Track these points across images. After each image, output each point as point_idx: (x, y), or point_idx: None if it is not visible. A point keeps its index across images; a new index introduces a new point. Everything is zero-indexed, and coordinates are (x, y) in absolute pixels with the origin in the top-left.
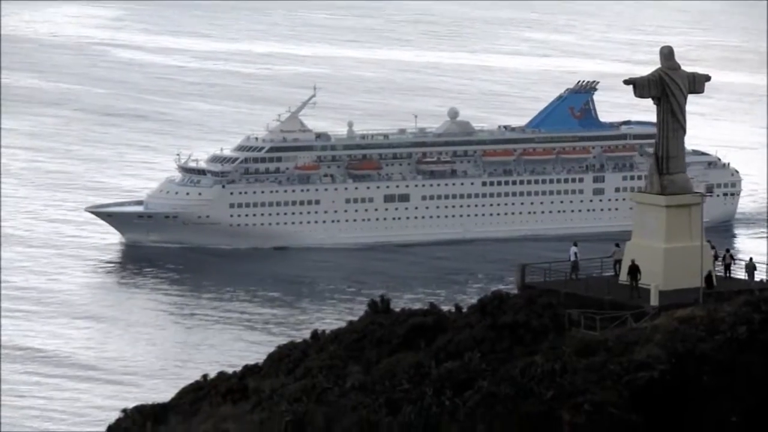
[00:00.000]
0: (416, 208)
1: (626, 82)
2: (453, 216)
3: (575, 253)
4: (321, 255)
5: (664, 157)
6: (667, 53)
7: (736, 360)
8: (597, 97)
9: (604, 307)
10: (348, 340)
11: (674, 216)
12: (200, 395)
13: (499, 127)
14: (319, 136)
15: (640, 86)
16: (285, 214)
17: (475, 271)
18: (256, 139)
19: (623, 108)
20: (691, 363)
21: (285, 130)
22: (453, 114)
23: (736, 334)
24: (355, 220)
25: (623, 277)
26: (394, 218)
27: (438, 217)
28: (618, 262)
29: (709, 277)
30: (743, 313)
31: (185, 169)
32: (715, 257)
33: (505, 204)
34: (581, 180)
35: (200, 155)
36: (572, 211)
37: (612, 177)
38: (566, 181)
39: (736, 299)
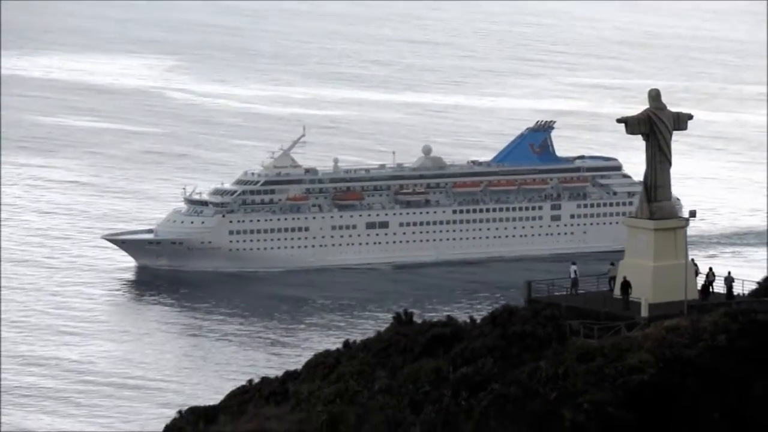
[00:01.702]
0: (395, 233)
1: (619, 120)
2: (427, 240)
3: (575, 271)
4: (310, 276)
5: (652, 186)
6: (654, 95)
7: (716, 364)
8: (554, 134)
9: (601, 318)
10: (376, 349)
11: (661, 238)
12: (246, 398)
13: (468, 161)
14: (308, 170)
15: (631, 124)
16: (278, 239)
17: (454, 288)
18: (253, 174)
19: (578, 142)
20: (677, 367)
21: (278, 165)
22: (427, 150)
23: (716, 342)
24: (340, 245)
25: (617, 291)
26: (375, 242)
27: (414, 241)
28: (612, 278)
29: (705, 288)
30: (723, 323)
31: (190, 201)
32: (697, 274)
33: (474, 229)
34: (540, 208)
35: (204, 188)
36: (532, 235)
37: (568, 205)
38: (527, 209)
39: (716, 311)
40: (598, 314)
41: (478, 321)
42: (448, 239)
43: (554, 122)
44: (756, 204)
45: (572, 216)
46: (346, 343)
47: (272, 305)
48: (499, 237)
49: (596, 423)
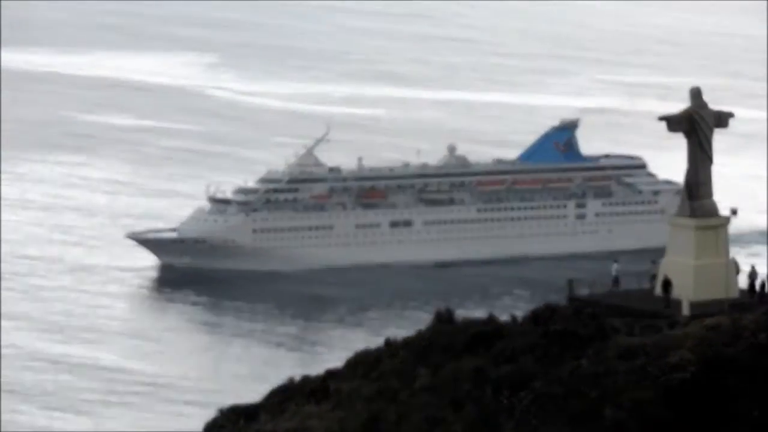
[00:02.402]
0: (418, 232)
1: (661, 118)
2: (451, 239)
3: (616, 269)
4: (334, 275)
5: (693, 184)
6: (696, 93)
7: (757, 362)
8: (586, 131)
9: (642, 316)
10: (417, 347)
11: (703, 236)
12: (287, 396)
13: (493, 160)
14: (331, 169)
15: (673, 122)
16: (302, 238)
17: (486, 286)
18: (277, 172)
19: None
20: (718, 365)
21: (302, 164)
22: (451, 149)
23: (757, 340)
24: (364, 244)
25: (658, 290)
26: (399, 241)
27: (438, 240)
28: (653, 276)
29: (752, 286)
30: (764, 321)
31: (214, 200)
32: (738, 272)
33: (498, 228)
34: (565, 206)
35: (228, 186)
36: (557, 234)
37: (593, 204)
38: (552, 207)
39: (758, 309)
40: (639, 312)
41: (519, 319)
42: (472, 238)
43: (579, 120)
44: None
45: (597, 215)
46: (387, 342)
47: (301, 303)
48: (524, 236)
49: (637, 421)
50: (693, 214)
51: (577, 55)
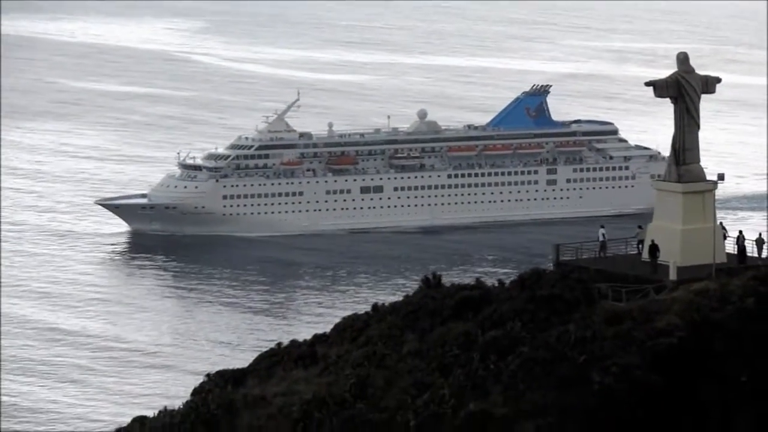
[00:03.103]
0: (389, 198)
1: (647, 84)
2: (422, 205)
3: (603, 234)
4: (304, 241)
5: (681, 150)
6: (683, 58)
7: (745, 327)
8: (549, 98)
9: (629, 281)
10: (404, 312)
11: (690, 201)
12: (275, 361)
13: (464, 126)
14: (302, 135)
15: (660, 87)
16: (272, 204)
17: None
18: (247, 138)
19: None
20: (705, 330)
21: (272, 130)
22: (422, 115)
23: (744, 305)
24: (334, 210)
25: (645, 255)
26: (369, 207)
27: (408, 206)
28: (641, 241)
29: (742, 252)
30: (751, 286)
31: (184, 166)
32: (725, 237)
33: (469, 194)
34: (536, 172)
35: (198, 153)
36: (528, 200)
37: (563, 169)
38: (523, 173)
39: (744, 274)
40: (626, 277)
41: (507, 284)
42: (442, 204)
43: (551, 86)
44: None
45: (568, 180)
46: (375, 307)
47: (271, 269)
48: (495, 201)
49: (624, 386)
50: (680, 179)
51: (564, 21)
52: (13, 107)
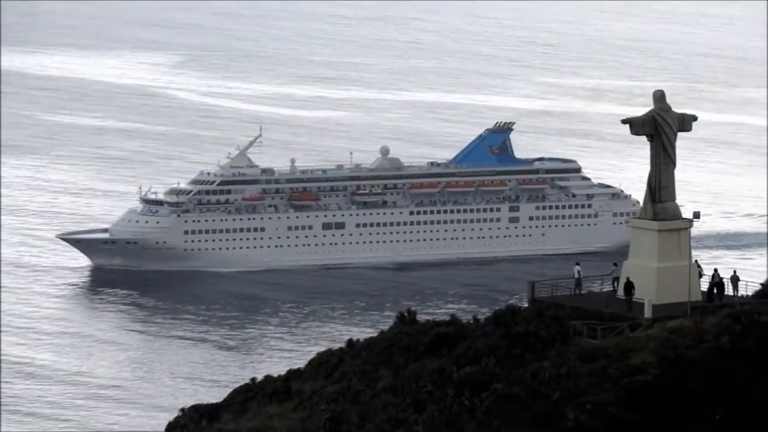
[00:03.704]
0: (351, 234)
1: (624, 121)
2: (384, 241)
3: (578, 272)
4: (266, 276)
5: (656, 187)
6: (659, 96)
7: (719, 365)
8: (521, 135)
9: (604, 318)
10: (379, 348)
11: (665, 239)
12: (249, 396)
13: (427, 162)
14: (264, 171)
15: (636, 125)
16: (234, 239)
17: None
18: (209, 173)
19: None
20: (680, 368)
21: (234, 165)
22: (384, 151)
23: (719, 343)
24: (296, 245)
25: (620, 292)
26: (331, 243)
27: (371, 242)
28: (616, 279)
29: (720, 288)
30: (726, 324)
31: (146, 201)
32: (700, 276)
33: (431, 231)
34: (498, 209)
35: (160, 187)
36: (490, 237)
37: (526, 207)
38: (485, 210)
39: (719, 312)
40: (601, 315)
41: (481, 321)
42: (405, 240)
43: (514, 123)
44: (754, 208)
45: (531, 218)
46: (350, 342)
47: (233, 304)
48: (457, 239)
49: (599, 423)
50: (656, 216)
51: (538, 59)
52: None
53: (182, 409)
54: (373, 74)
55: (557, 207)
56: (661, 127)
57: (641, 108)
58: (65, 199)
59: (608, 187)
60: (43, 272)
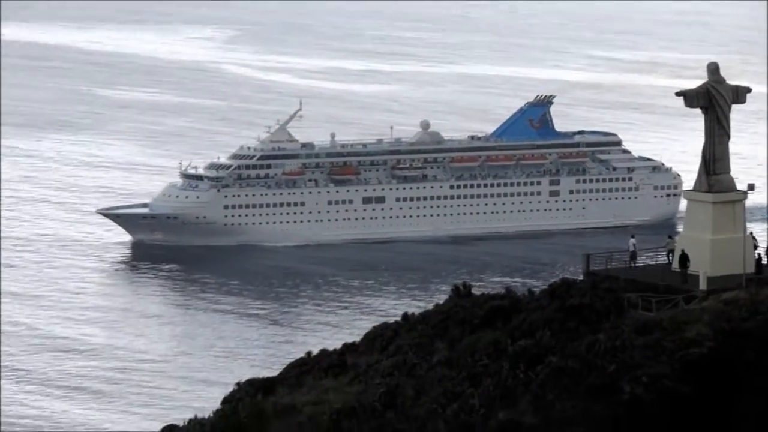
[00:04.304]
0: (391, 208)
1: (678, 94)
2: (424, 216)
3: (634, 244)
4: (307, 252)
5: (711, 160)
6: (713, 68)
7: None
8: (553, 109)
9: (659, 291)
10: (434, 321)
11: (720, 211)
12: (304, 370)
13: (468, 136)
14: (304, 145)
15: (690, 98)
16: (273, 214)
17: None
18: (249, 148)
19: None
20: (735, 340)
21: (274, 140)
22: (425, 125)
23: None
24: (336, 220)
25: (675, 264)
26: (371, 218)
27: (411, 216)
28: (671, 251)
29: (758, 262)
30: None
31: (186, 175)
32: (755, 247)
33: (471, 205)
34: (539, 183)
35: (201, 162)
36: (531, 210)
37: (566, 180)
38: (525, 184)
39: None
40: (656, 287)
41: (536, 293)
42: (445, 215)
43: (554, 96)
44: None
45: (571, 191)
46: (405, 316)
47: (273, 279)
48: (497, 212)
49: (654, 396)
50: (710, 189)
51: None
52: (41, 117)
53: (238, 383)
54: (424, 48)
55: (597, 180)
56: (715, 99)
57: (694, 81)
58: (116, 174)
59: (649, 160)
60: (86, 247)
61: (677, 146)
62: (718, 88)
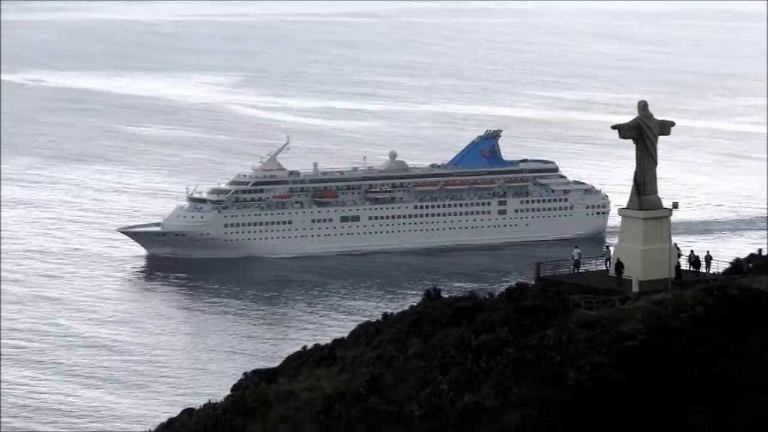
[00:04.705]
0: (365, 225)
1: (613, 127)
2: (393, 231)
3: (578, 254)
4: (294, 262)
5: (642, 182)
6: (643, 105)
7: (696, 332)
8: (501, 141)
9: (599, 293)
10: (410, 320)
11: (649, 225)
12: (301, 361)
13: (429, 165)
14: (291, 173)
15: (623, 130)
16: (266, 231)
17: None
18: (245, 175)
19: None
20: (663, 334)
21: (266, 168)
22: (392, 155)
23: (695, 313)
24: (319, 236)
25: (612, 271)
26: (348, 234)
27: (382, 232)
28: (608, 259)
29: (678, 269)
30: (701, 297)
31: (192, 199)
32: (679, 256)
33: (432, 222)
34: (489, 204)
35: (204, 187)
36: (482, 227)
37: (512, 201)
38: (478, 204)
39: (695, 286)
40: (596, 290)
41: (495, 296)
42: (410, 230)
43: (501, 131)
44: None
45: (516, 210)
46: (385, 315)
47: (268, 285)
48: (454, 228)
49: (596, 382)
50: (641, 206)
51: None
52: (77, 150)
53: (245, 373)
54: (399, 90)
55: (538, 201)
56: (644, 132)
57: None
58: (137, 199)
59: (582, 183)
60: (109, 260)
61: (607, 172)
62: (647, 122)
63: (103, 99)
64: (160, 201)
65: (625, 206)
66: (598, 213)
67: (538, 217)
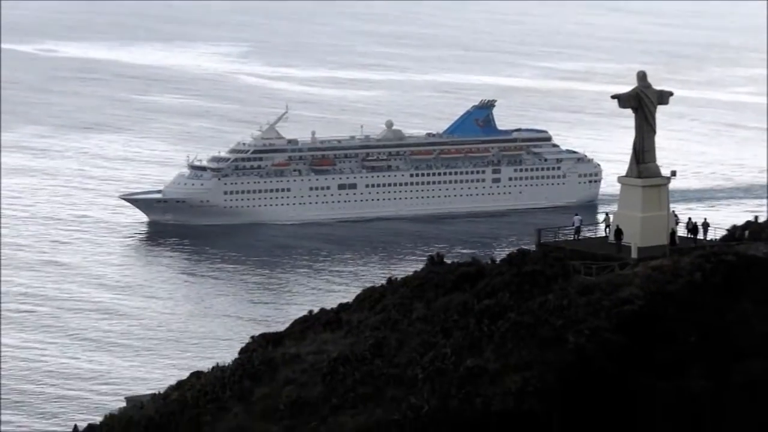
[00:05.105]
0: (362, 193)
1: (613, 96)
2: (389, 199)
3: (580, 220)
4: (293, 229)
5: (640, 151)
6: (642, 76)
7: (693, 297)
8: (496, 111)
9: (598, 259)
10: (414, 284)
11: (648, 193)
12: (307, 325)
13: (425, 134)
14: (290, 141)
15: (623, 100)
16: (265, 198)
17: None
18: (244, 144)
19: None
20: (661, 299)
21: (265, 137)
22: (389, 124)
23: (693, 279)
24: (316, 203)
25: (611, 237)
26: (345, 201)
27: (378, 200)
28: (608, 227)
29: (672, 236)
30: (698, 263)
31: (192, 167)
32: (677, 223)
33: (427, 190)
34: (483, 172)
35: (204, 155)
36: (477, 195)
37: (506, 170)
38: (472, 173)
39: (692, 253)
40: (596, 256)
41: (498, 262)
42: (406, 198)
43: (496, 101)
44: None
45: (510, 179)
46: (389, 280)
47: (266, 251)
48: (449, 196)
49: (594, 345)
50: (640, 175)
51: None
52: (87, 120)
53: (252, 337)
54: (398, 61)
55: (532, 169)
56: (644, 101)
57: (626, 86)
58: (144, 167)
59: (574, 152)
60: (115, 225)
61: (600, 141)
62: (646, 92)
63: (112, 69)
64: (166, 169)
65: (624, 174)
66: (590, 181)
67: (531, 185)
